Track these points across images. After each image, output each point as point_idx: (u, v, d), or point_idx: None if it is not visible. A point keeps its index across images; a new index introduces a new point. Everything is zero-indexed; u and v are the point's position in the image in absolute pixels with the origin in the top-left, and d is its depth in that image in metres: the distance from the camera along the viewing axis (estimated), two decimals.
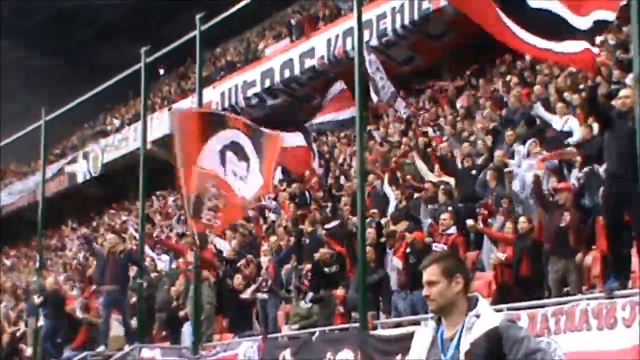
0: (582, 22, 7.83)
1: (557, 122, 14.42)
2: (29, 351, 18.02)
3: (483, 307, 4.04)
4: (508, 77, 19.31)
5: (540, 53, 8.80)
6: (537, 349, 3.89)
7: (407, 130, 20.35)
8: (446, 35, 23.61)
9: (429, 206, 13.98)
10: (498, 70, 20.95)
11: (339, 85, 15.81)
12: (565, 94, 15.42)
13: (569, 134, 13.92)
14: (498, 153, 14.36)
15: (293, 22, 31.10)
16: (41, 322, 17.41)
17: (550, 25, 7.88)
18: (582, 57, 7.97)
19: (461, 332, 4.01)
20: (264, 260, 15.78)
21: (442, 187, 14.25)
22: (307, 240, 15.54)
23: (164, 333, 17.16)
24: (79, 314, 18.15)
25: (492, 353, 3.88)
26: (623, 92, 10.01)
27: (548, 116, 14.83)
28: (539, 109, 15.08)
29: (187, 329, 15.88)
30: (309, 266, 14.59)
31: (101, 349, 15.41)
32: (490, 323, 3.94)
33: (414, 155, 16.31)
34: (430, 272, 4.11)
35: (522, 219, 11.73)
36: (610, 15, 7.84)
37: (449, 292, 4.06)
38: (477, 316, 3.98)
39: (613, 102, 10.18)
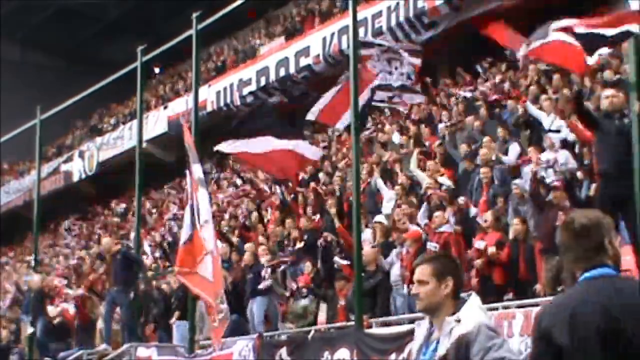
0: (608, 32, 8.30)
1: (546, 120, 14.46)
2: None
3: (465, 311, 4.03)
4: (499, 78, 19.34)
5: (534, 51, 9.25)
6: (500, 357, 3.85)
7: (403, 130, 20.35)
8: (438, 38, 23.64)
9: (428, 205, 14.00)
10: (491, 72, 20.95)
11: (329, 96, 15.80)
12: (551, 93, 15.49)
13: (557, 132, 13.95)
14: (492, 150, 14.40)
15: (289, 20, 31.16)
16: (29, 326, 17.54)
17: None
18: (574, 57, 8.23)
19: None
20: (263, 260, 15.74)
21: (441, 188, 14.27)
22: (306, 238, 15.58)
23: (157, 331, 17.17)
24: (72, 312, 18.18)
25: (460, 357, 3.89)
26: (609, 92, 10.08)
27: (538, 113, 14.86)
28: (529, 107, 15.12)
29: (177, 328, 15.93)
30: (308, 264, 14.61)
31: (102, 347, 15.47)
32: (464, 329, 3.93)
33: (412, 159, 16.22)
34: (421, 271, 4.15)
35: (515, 220, 11.75)
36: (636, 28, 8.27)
37: (437, 293, 4.09)
38: (458, 320, 3.98)
39: (600, 103, 10.27)
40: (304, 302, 14.20)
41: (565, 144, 13.46)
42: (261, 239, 17.61)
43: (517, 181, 12.86)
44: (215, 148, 13.66)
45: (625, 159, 9.18)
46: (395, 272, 12.97)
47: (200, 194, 12.43)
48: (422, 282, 4.12)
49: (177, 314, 15.91)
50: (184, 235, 12.53)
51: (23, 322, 18.54)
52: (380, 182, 16.28)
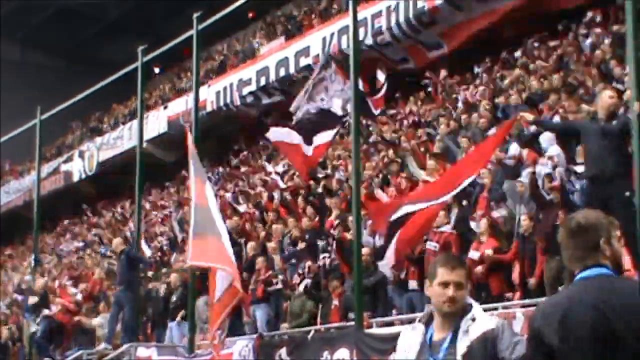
0: None
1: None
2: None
3: (478, 311, 4.14)
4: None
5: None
6: None
7: (400, 130, 20.37)
8: (439, 47, 23.64)
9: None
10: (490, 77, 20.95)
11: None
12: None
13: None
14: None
15: (289, 20, 31.17)
16: (34, 325, 17.58)
17: None
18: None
19: (453, 334, 4.08)
20: (276, 258, 15.77)
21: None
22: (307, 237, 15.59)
23: (155, 331, 17.18)
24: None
25: (488, 355, 3.97)
26: (610, 92, 10.06)
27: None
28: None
29: (177, 328, 15.95)
30: (308, 264, 14.62)
31: (102, 346, 15.47)
32: (487, 326, 4.04)
33: (409, 157, 16.24)
34: (460, 275, 4.19)
35: (523, 217, 11.72)
36: None
37: (466, 296, 4.21)
38: (473, 319, 4.07)
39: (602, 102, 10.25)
40: (301, 301, 14.20)
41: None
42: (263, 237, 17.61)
43: (521, 178, 12.80)
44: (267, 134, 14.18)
45: (612, 160, 9.19)
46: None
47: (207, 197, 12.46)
48: (461, 285, 4.15)
49: (182, 313, 15.89)
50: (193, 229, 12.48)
51: (26, 321, 18.57)
52: (379, 192, 16.27)
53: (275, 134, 14.15)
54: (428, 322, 4.23)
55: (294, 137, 13.65)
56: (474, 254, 11.84)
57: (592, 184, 9.70)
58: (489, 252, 11.68)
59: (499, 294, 11.68)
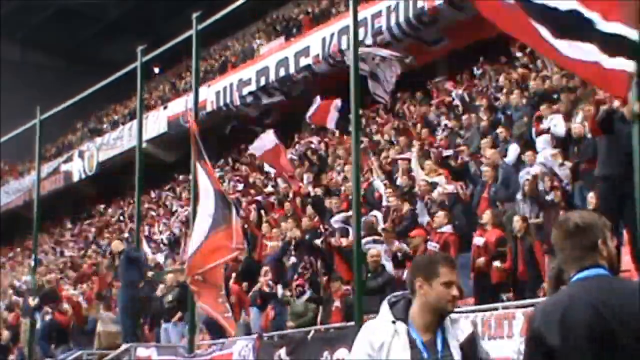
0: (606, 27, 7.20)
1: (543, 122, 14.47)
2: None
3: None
4: (501, 80, 19.34)
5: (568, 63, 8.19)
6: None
7: (401, 129, 20.38)
8: (440, 42, 23.65)
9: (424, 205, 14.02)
10: (493, 74, 20.94)
11: (317, 100, 15.83)
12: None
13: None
14: (491, 151, 14.40)
15: (289, 20, 31.18)
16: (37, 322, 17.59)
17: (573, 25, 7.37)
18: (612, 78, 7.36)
19: (443, 335, 4.06)
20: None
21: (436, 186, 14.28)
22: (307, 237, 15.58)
23: (153, 331, 17.18)
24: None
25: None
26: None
27: None
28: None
29: (170, 328, 15.96)
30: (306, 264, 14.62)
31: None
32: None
33: (412, 156, 16.25)
34: (457, 275, 4.16)
35: (516, 217, 11.73)
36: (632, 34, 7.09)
37: None
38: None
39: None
40: (303, 301, 14.19)
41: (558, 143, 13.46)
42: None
43: (526, 175, 12.77)
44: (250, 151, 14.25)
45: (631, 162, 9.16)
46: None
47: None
48: (458, 285, 4.15)
49: (178, 315, 15.87)
50: (196, 239, 12.37)
51: (24, 322, 18.56)
52: (379, 184, 16.28)
53: (258, 148, 14.16)
54: (406, 321, 4.17)
55: (271, 139, 13.67)
56: (478, 240, 11.89)
57: (608, 182, 9.65)
58: (497, 264, 11.66)
59: (498, 282, 11.70)
